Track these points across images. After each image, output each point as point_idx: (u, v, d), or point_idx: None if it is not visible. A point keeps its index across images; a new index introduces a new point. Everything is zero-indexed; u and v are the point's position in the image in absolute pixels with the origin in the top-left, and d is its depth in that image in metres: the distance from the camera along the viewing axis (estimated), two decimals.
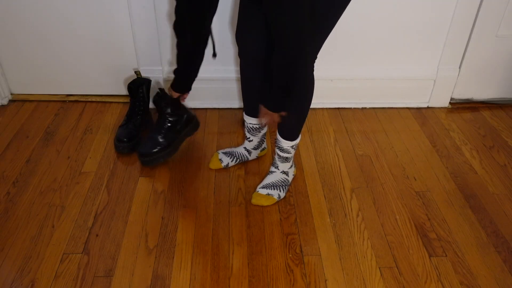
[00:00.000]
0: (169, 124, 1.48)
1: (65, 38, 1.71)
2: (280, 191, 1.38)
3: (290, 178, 1.43)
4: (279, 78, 1.12)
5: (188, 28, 1.23)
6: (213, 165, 1.50)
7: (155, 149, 1.46)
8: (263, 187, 1.38)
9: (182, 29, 1.27)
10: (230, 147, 1.57)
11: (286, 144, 1.35)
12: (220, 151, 1.52)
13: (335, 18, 1.16)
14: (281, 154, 1.38)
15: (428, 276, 1.17)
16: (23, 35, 1.70)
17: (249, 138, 1.47)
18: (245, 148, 1.51)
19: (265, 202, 1.36)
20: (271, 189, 1.38)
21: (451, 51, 1.75)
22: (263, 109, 1.21)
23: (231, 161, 1.50)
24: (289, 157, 1.39)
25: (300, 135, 1.36)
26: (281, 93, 1.15)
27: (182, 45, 1.31)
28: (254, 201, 1.36)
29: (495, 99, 1.90)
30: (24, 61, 1.77)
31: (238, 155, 1.50)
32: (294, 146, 1.36)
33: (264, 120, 1.23)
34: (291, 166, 1.44)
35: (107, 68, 1.79)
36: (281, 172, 1.41)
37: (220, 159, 1.50)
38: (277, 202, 1.37)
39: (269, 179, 1.40)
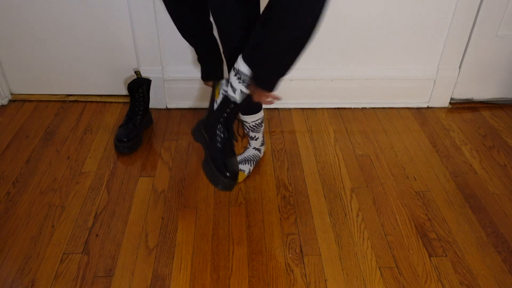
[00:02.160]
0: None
1: (65, 38, 1.71)
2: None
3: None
4: (284, 36, 0.98)
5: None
6: (239, 178, 1.44)
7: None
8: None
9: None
10: (237, 154, 1.53)
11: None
12: None
13: None
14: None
15: (428, 276, 1.17)
16: (23, 35, 1.70)
17: (254, 136, 1.46)
18: (254, 148, 1.49)
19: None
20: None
21: (451, 51, 1.76)
22: (258, 92, 1.13)
23: (251, 166, 1.47)
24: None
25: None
26: (287, 56, 1.03)
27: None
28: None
29: (495, 99, 1.90)
30: (24, 61, 1.77)
31: (253, 158, 1.48)
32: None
33: (265, 103, 1.16)
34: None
35: (107, 68, 1.79)
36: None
37: (241, 170, 1.45)
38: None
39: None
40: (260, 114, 1.41)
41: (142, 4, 1.58)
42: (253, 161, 1.48)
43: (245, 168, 1.45)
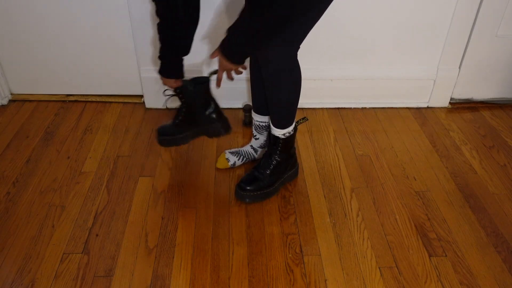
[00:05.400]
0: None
1: (65, 38, 1.71)
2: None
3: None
4: (248, 23, 1.05)
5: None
6: (220, 164, 1.49)
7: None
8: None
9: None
10: (237, 147, 1.57)
11: (277, 132, 1.32)
12: (226, 151, 1.51)
13: (318, 9, 1.13)
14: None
15: (428, 276, 1.17)
16: (23, 35, 1.71)
17: (255, 136, 1.47)
18: (251, 146, 1.51)
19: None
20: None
21: (451, 51, 1.76)
22: (222, 60, 1.17)
23: (238, 160, 1.49)
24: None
25: (293, 125, 1.33)
26: (246, 41, 1.09)
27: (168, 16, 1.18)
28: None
29: (495, 99, 1.90)
30: (24, 61, 1.77)
31: (245, 154, 1.50)
32: (285, 134, 1.33)
33: (220, 72, 1.20)
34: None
35: (107, 68, 1.79)
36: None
37: (227, 159, 1.49)
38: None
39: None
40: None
41: (142, 5, 1.58)
42: (242, 157, 1.50)
43: (232, 159, 1.49)
